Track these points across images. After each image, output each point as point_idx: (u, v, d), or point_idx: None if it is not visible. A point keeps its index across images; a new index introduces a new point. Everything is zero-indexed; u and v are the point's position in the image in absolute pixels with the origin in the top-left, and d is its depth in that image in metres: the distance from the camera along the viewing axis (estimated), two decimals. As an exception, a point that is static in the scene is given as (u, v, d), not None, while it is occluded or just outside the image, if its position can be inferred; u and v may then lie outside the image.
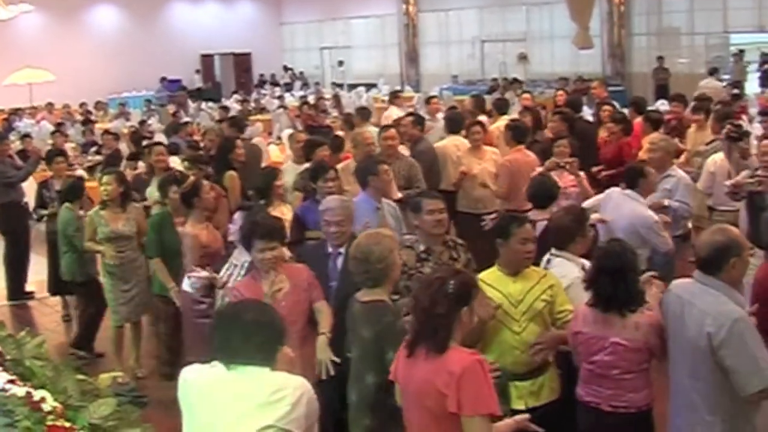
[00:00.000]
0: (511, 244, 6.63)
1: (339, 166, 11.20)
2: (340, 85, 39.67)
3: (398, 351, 5.43)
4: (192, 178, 10.24)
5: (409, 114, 15.60)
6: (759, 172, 9.65)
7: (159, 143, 14.38)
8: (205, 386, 4.68)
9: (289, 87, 41.99)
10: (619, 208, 9.24)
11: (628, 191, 9.32)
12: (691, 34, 34.45)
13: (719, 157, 11.23)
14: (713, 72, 25.62)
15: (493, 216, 10.43)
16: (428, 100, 19.19)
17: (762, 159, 9.55)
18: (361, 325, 6.17)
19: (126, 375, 7.90)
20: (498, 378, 5.49)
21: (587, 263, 6.84)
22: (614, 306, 6.05)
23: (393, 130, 11.92)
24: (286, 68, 46.44)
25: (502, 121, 14.41)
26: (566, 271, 7.06)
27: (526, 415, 5.30)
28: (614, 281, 6.04)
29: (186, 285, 8.83)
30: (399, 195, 10.38)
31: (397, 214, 9.55)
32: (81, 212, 11.08)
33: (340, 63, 43.99)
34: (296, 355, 6.34)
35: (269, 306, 5.17)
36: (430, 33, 42.28)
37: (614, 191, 9.57)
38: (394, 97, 21.66)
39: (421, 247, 7.49)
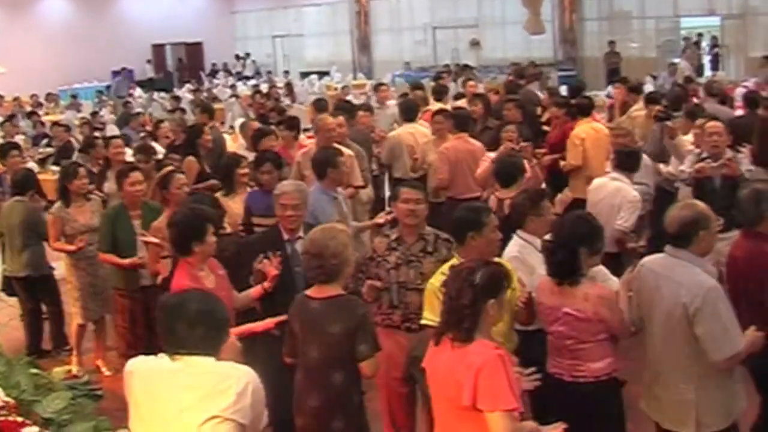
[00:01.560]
0: (485, 234, 6.59)
1: (299, 153, 11.23)
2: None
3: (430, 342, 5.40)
4: (166, 169, 10.10)
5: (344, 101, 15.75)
6: (705, 154, 9.73)
7: (116, 136, 14.22)
8: (148, 377, 4.64)
9: (245, 77, 41.76)
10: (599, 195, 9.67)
11: (616, 173, 9.69)
12: (642, 18, 34.71)
13: None
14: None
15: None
16: (377, 88, 19.20)
17: (710, 139, 9.60)
18: (326, 321, 6.01)
19: (83, 371, 7.74)
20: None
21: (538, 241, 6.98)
22: (566, 277, 6.10)
23: (341, 118, 11.89)
24: (238, 57, 46.24)
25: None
26: (508, 249, 7.16)
27: (561, 425, 5.19)
28: (566, 252, 6.08)
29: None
30: (361, 182, 10.36)
31: (347, 204, 9.54)
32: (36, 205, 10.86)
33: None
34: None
35: (213, 295, 5.07)
36: (382, 20, 42.23)
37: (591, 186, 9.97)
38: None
39: (394, 236, 7.40)
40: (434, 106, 14.93)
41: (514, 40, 35.88)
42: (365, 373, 5.95)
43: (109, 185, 11.41)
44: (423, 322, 6.54)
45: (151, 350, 4.77)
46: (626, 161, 9.74)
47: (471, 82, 19.52)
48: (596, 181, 9.90)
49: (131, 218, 9.43)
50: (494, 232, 6.64)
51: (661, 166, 11.06)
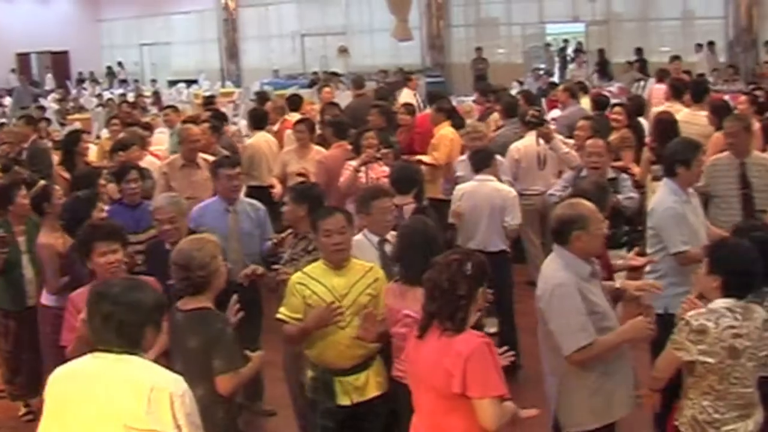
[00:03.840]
0: (318, 237, 6.63)
1: (164, 162, 11.07)
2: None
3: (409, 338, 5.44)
4: (42, 182, 9.57)
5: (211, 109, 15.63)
6: (584, 173, 9.82)
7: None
8: (65, 379, 4.51)
9: (122, 83, 41.09)
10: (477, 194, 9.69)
11: (482, 175, 9.78)
12: (509, 25, 35.22)
13: (522, 144, 11.81)
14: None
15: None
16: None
17: (589, 160, 9.66)
18: (186, 334, 5.82)
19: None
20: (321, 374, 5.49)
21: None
22: (407, 278, 6.22)
23: (197, 128, 11.64)
24: (110, 69, 45.33)
25: (296, 118, 14.33)
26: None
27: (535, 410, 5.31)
28: (414, 255, 6.18)
29: (45, 298, 8.41)
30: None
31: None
32: None
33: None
34: None
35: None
36: (250, 28, 42.16)
37: (459, 188, 10.01)
38: (407, 80, 21.31)
39: (282, 235, 7.69)
40: (292, 115, 14.87)
41: (382, 47, 36.12)
42: (220, 389, 5.72)
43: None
44: (278, 316, 6.49)
45: (36, 377, 4.61)
46: (481, 160, 9.88)
47: (327, 89, 19.47)
48: (466, 186, 9.93)
49: (15, 234, 8.94)
50: (327, 236, 6.57)
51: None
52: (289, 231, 8.04)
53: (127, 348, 4.45)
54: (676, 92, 13.95)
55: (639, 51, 29.43)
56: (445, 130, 12.77)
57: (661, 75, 19.16)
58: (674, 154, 7.78)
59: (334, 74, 30.62)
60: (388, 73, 29.76)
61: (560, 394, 6.07)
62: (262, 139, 13.33)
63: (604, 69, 29.52)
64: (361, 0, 37.44)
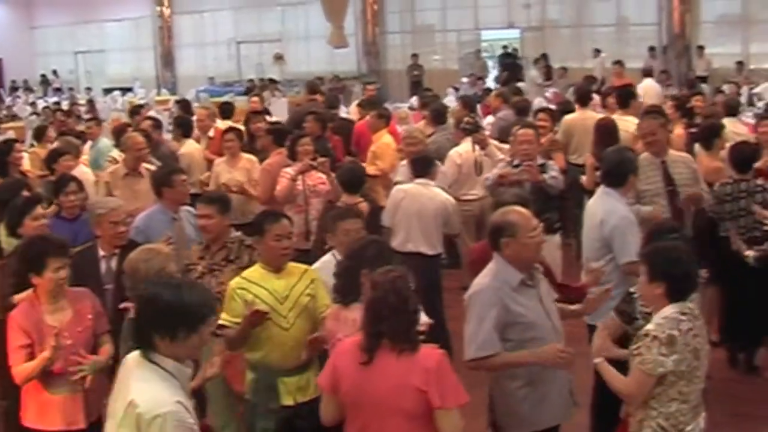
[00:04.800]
0: (266, 241, 6.65)
1: (107, 172, 11.06)
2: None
3: (327, 363, 5.37)
4: None
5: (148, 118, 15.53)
6: (516, 161, 9.99)
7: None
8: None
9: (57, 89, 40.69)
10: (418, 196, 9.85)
11: (422, 180, 9.98)
12: (444, 32, 35.30)
13: (462, 149, 11.94)
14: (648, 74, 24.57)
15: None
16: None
17: (520, 148, 9.84)
18: (125, 345, 5.84)
19: None
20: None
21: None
22: (350, 302, 6.09)
23: (141, 137, 11.42)
24: (44, 77, 44.79)
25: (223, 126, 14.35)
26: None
27: None
28: (348, 275, 6.12)
29: None
30: None
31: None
32: None
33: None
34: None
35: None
36: (186, 35, 41.91)
37: (399, 189, 10.12)
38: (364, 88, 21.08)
39: (204, 244, 7.60)
40: (226, 123, 14.82)
41: (317, 54, 36.06)
42: None
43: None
44: (220, 322, 6.40)
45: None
46: (423, 167, 10.04)
47: (254, 99, 19.43)
48: (407, 187, 10.05)
49: None
50: (277, 240, 6.63)
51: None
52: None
53: (143, 348, 4.47)
54: (581, 99, 14.25)
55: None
56: (386, 138, 12.87)
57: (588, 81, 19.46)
58: (623, 163, 7.90)
59: (271, 81, 30.59)
60: (324, 80, 29.78)
61: (493, 399, 6.13)
62: (192, 147, 13.29)
63: (549, 73, 29.67)
64: (297, 7, 37.35)
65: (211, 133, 14.15)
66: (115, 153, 12.46)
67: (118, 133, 13.37)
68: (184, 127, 13.76)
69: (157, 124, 14.19)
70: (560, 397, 6.09)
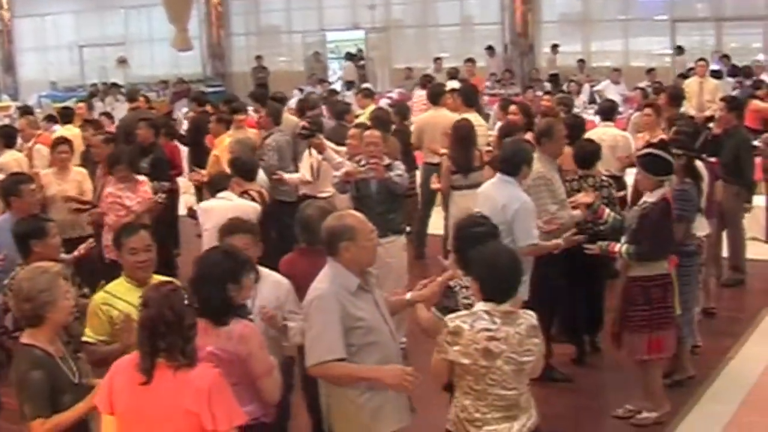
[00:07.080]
0: (122, 254, 6.55)
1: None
2: None
3: (103, 382, 5.06)
4: None
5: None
6: (363, 161, 10.04)
7: None
8: None
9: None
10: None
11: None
12: (289, 33, 35.30)
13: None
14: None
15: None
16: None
17: (367, 149, 9.93)
18: (12, 371, 5.49)
19: None
20: None
21: None
22: (206, 314, 5.64)
23: (65, 145, 11.43)
24: None
25: (67, 131, 14.23)
26: None
27: None
28: (207, 289, 5.72)
29: None
30: None
31: None
32: None
33: None
34: None
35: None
36: (27, 39, 41.00)
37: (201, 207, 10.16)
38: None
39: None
40: (65, 130, 14.56)
41: (161, 58, 35.81)
42: None
43: None
44: (84, 339, 6.28)
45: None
46: (242, 170, 10.20)
47: (80, 104, 18.61)
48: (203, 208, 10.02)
49: None
50: (132, 253, 6.54)
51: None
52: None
53: None
54: (434, 98, 14.36)
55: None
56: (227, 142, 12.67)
57: (425, 81, 19.55)
58: (518, 153, 8.64)
59: (114, 85, 30.13)
60: (168, 84, 29.49)
61: (328, 407, 6.07)
62: (12, 158, 12.73)
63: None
64: (140, 10, 36.87)
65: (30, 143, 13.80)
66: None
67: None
68: (6, 137, 13.23)
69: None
70: (399, 401, 6.04)
